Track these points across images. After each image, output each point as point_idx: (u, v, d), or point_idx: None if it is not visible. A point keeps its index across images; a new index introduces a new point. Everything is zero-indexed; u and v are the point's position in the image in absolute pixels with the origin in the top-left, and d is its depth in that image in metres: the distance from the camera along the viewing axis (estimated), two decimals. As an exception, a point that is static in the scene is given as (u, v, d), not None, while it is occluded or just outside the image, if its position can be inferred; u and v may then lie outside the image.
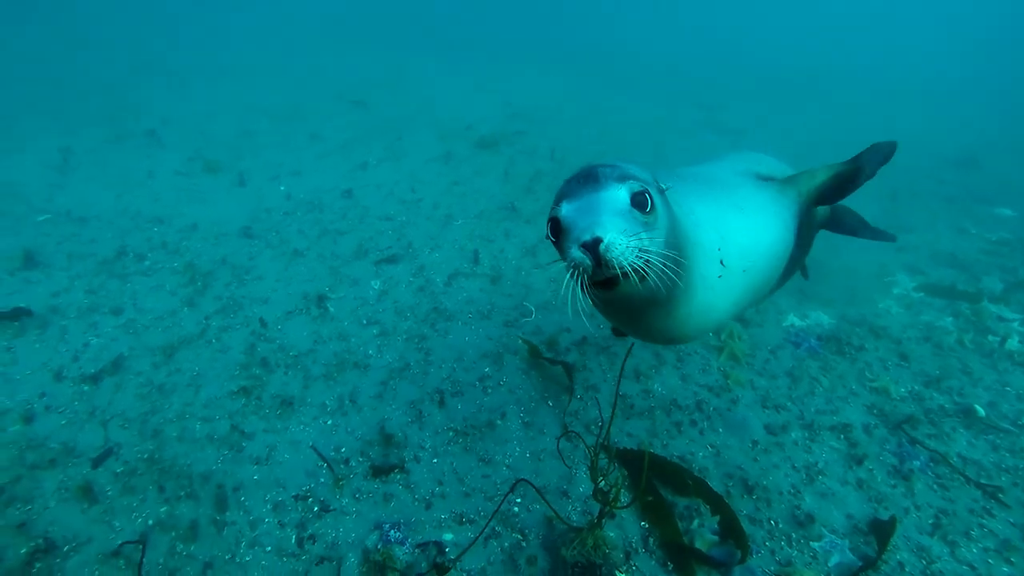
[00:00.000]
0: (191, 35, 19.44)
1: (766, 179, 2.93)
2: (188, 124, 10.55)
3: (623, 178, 1.87)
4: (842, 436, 4.14)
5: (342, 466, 3.74)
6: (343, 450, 3.86)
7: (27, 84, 12.40)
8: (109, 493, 3.53)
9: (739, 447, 4.14)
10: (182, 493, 3.56)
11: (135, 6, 23.09)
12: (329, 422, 4.08)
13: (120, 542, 3.23)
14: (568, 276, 1.72)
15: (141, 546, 3.19)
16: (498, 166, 9.00)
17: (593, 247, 1.67)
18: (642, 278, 1.74)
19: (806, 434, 4.20)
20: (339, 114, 11.75)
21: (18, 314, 4.86)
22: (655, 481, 3.68)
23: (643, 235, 1.74)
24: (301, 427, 4.03)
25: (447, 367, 4.59)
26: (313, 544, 3.30)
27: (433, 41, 22.07)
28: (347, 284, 5.66)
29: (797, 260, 2.86)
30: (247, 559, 3.22)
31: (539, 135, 10.77)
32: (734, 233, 2.29)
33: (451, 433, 4.00)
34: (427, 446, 3.89)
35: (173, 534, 3.32)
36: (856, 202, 3.44)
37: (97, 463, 3.70)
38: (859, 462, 3.91)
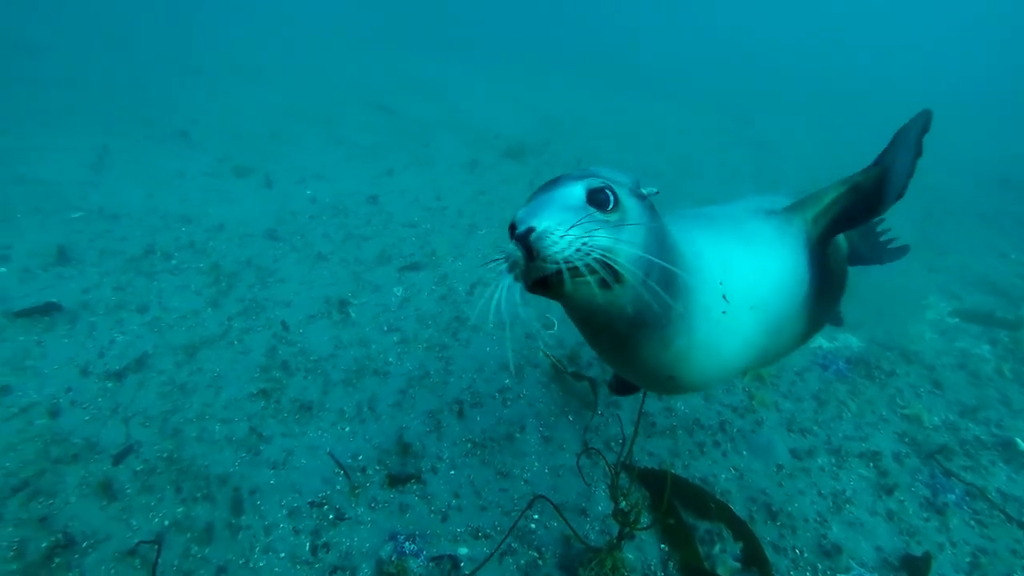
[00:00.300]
0: (221, 38, 19.82)
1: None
2: (218, 125, 10.73)
3: (582, 176, 1.72)
4: (871, 464, 4.01)
5: (359, 474, 3.72)
6: (360, 458, 3.84)
7: (66, 85, 12.73)
8: (128, 491, 3.54)
9: (763, 471, 4.04)
10: (199, 494, 3.56)
11: (168, 9, 23.66)
12: (347, 429, 4.06)
13: (136, 541, 3.23)
14: (499, 276, 1.51)
15: (157, 546, 3.19)
16: (524, 176, 8.99)
17: (523, 237, 1.47)
18: (609, 284, 1.55)
19: (833, 460, 4.08)
20: (365, 118, 11.86)
21: (49, 309, 4.95)
22: (676, 503, 3.59)
23: (598, 232, 1.52)
24: (319, 432, 4.02)
25: (467, 377, 4.56)
26: (327, 553, 3.27)
27: (460, 47, 22.23)
28: (369, 290, 5.67)
29: (821, 304, 2.48)
30: (260, 564, 3.20)
31: (565, 144, 10.75)
32: (738, 266, 2.08)
33: (469, 445, 3.96)
34: (445, 457, 3.85)
35: (188, 535, 3.32)
36: (886, 219, 3.34)
37: (118, 460, 3.72)
38: (889, 492, 3.77)
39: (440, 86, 15.57)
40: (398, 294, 5.63)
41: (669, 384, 2.07)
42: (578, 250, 1.45)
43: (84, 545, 3.19)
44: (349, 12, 27.62)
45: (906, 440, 4.23)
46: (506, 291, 1.48)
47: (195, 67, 15.14)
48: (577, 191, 1.64)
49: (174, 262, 6.03)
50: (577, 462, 3.77)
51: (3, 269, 5.51)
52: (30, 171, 7.97)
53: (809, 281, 2.28)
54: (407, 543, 3.28)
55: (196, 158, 9.00)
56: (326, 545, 3.31)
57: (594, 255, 1.47)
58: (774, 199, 3.09)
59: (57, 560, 3.09)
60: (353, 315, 5.27)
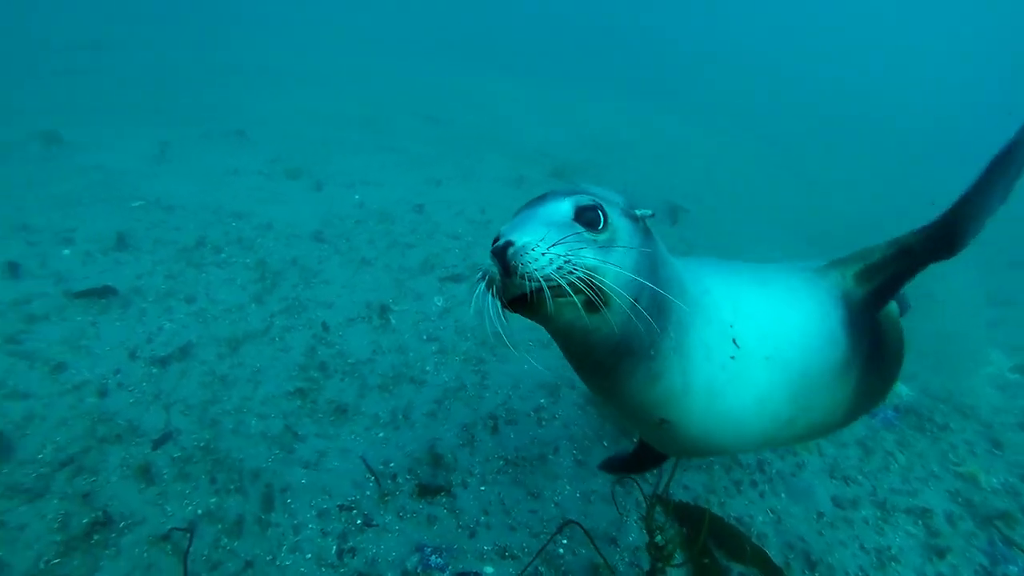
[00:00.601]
0: (279, 44, 20.51)
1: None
2: (271, 127, 11.06)
3: (571, 193, 1.62)
4: (920, 522, 3.81)
5: (389, 481, 3.70)
6: (391, 465, 3.82)
7: (132, 82, 13.34)
8: (165, 476, 3.60)
9: (802, 516, 3.88)
10: (232, 487, 3.59)
11: (232, 14, 24.64)
12: (380, 434, 4.06)
13: (170, 527, 3.27)
14: (479, 292, 1.45)
15: (189, 535, 3.22)
16: (567, 195, 8.97)
17: (500, 252, 1.39)
18: (595, 306, 1.44)
19: (878, 513, 3.90)
20: (414, 128, 12.07)
21: (105, 292, 5.12)
22: (710, 542, 3.47)
23: (584, 251, 1.43)
24: (352, 436, 4.03)
25: (503, 393, 4.52)
26: (353, 558, 3.25)
27: (511, 63, 22.51)
28: (411, 298, 5.70)
29: (869, 375, 2.12)
30: (287, 563, 3.20)
31: (612, 167, 10.73)
32: (749, 308, 1.87)
33: (501, 462, 3.91)
34: (476, 472, 3.81)
35: (219, 527, 3.34)
36: (939, 267, 3.17)
37: (157, 445, 3.79)
38: (940, 555, 3.57)
39: (490, 100, 15.76)
40: (439, 304, 5.65)
41: (667, 433, 1.87)
42: (559, 268, 1.36)
43: (121, 525, 3.24)
44: (402, 25, 28.32)
45: (960, 500, 4.01)
46: (487, 306, 1.42)
47: (251, 70, 15.70)
48: (564, 207, 1.56)
49: (223, 256, 6.18)
50: (612, 489, 3.69)
51: (67, 251, 5.74)
52: (98, 161, 8.34)
53: (847, 344, 1.97)
54: (433, 556, 3.24)
55: (250, 157, 9.28)
56: (352, 550, 3.29)
57: (578, 274, 1.38)
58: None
59: (96, 537, 3.15)
60: (393, 321, 5.30)
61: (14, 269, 5.26)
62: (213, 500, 3.49)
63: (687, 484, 3.94)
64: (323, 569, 3.19)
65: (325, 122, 11.77)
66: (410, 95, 15.00)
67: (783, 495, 4.04)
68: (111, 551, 3.11)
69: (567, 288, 1.36)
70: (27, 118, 9.49)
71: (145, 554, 3.13)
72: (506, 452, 3.99)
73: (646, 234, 1.70)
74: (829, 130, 19.03)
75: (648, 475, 3.94)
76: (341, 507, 3.52)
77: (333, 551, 3.28)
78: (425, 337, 5.12)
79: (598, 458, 4.04)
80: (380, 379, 4.56)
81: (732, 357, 1.77)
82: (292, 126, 11.28)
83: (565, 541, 3.41)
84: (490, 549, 3.35)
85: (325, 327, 5.11)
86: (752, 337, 1.82)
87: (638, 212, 1.73)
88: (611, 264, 1.46)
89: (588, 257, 1.42)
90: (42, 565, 3.00)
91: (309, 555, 3.25)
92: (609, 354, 1.59)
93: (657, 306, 1.60)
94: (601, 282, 1.42)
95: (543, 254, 1.36)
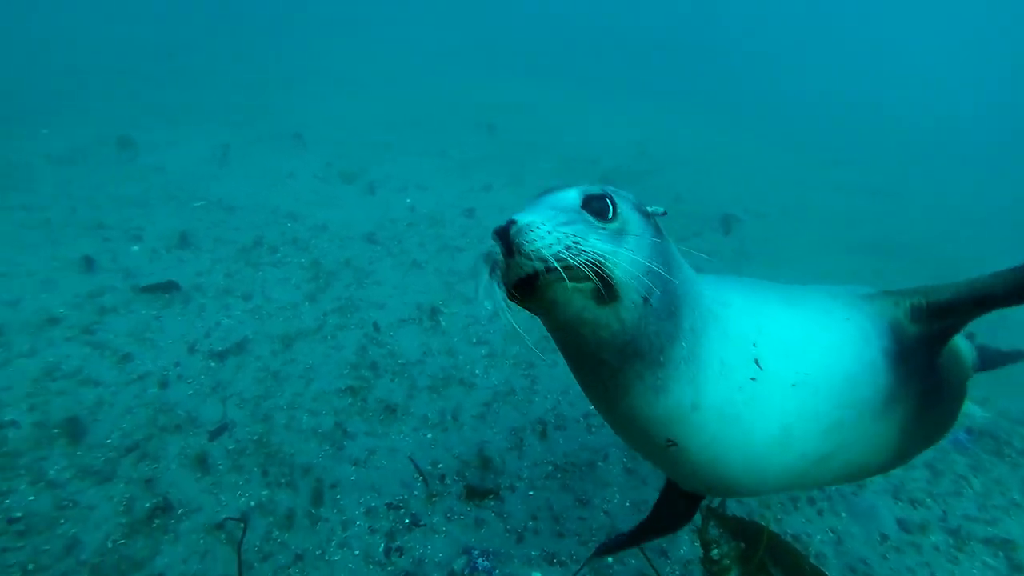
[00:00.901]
0: (335, 53, 21.09)
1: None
2: (328, 131, 11.36)
3: (578, 184, 1.55)
4: (1001, 554, 3.54)
5: (437, 482, 3.70)
6: (440, 466, 3.82)
7: (198, 87, 13.96)
8: (220, 467, 3.69)
9: (864, 538, 3.68)
10: (283, 480, 3.65)
11: (292, 24, 25.55)
12: (429, 435, 4.06)
13: (224, 517, 3.35)
14: (482, 281, 1.36)
15: (243, 525, 3.28)
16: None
17: (504, 231, 1.31)
18: (603, 298, 1.33)
19: (951, 541, 3.65)
20: (466, 135, 12.19)
21: (169, 287, 5.34)
22: (766, 559, 3.31)
23: (592, 235, 1.33)
24: (401, 436, 4.04)
25: (552, 398, 4.47)
26: (400, 557, 3.25)
27: (563, 73, 22.52)
28: (460, 301, 5.72)
29: (920, 416, 1.90)
30: (335, 559, 3.22)
31: (664, 177, 10.57)
32: (777, 327, 1.70)
33: (550, 467, 3.85)
34: (524, 477, 3.76)
35: (271, 519, 3.40)
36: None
37: (213, 436, 3.89)
38: (1023, 589, 3.32)
39: (540, 108, 15.79)
40: (489, 308, 5.64)
41: (675, 460, 1.69)
42: (568, 247, 1.27)
43: (179, 512, 3.33)
44: (456, 37, 28.74)
45: (1044, 532, 3.72)
46: (487, 290, 1.33)
47: (309, 77, 16.20)
48: (571, 195, 1.48)
49: (279, 255, 6.36)
50: (662, 501, 3.57)
51: (135, 248, 6.02)
52: (165, 163, 8.74)
53: (892, 378, 1.76)
54: (480, 559, 3.21)
55: (307, 161, 9.55)
56: (400, 549, 3.29)
57: (585, 257, 1.27)
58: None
59: (157, 521, 3.25)
60: (443, 324, 5.33)
61: (89, 263, 5.54)
62: (265, 493, 3.56)
63: (742, 500, 3.79)
64: (371, 567, 3.19)
65: (378, 127, 12.03)
66: (462, 102, 15.19)
67: (843, 514, 3.84)
68: (170, 536, 3.20)
69: (577, 270, 1.27)
70: (104, 123, 10.03)
71: (201, 541, 3.20)
72: (555, 458, 3.93)
73: (657, 230, 1.59)
74: (885, 137, 18.28)
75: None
76: (389, 505, 3.53)
77: (381, 549, 3.28)
78: (475, 340, 5.12)
79: (648, 468, 3.94)
80: (429, 380, 4.57)
81: (752, 379, 1.60)
82: (346, 131, 11.56)
83: (614, 552, 3.33)
84: (538, 555, 3.29)
85: (376, 327, 5.17)
86: (777, 359, 1.65)
87: (649, 208, 1.64)
88: (624, 250, 1.36)
89: (597, 241, 1.33)
90: (109, 544, 3.11)
91: (357, 552, 3.26)
92: (616, 354, 1.46)
93: (669, 308, 1.47)
94: (611, 271, 1.33)
95: (549, 232, 1.28)
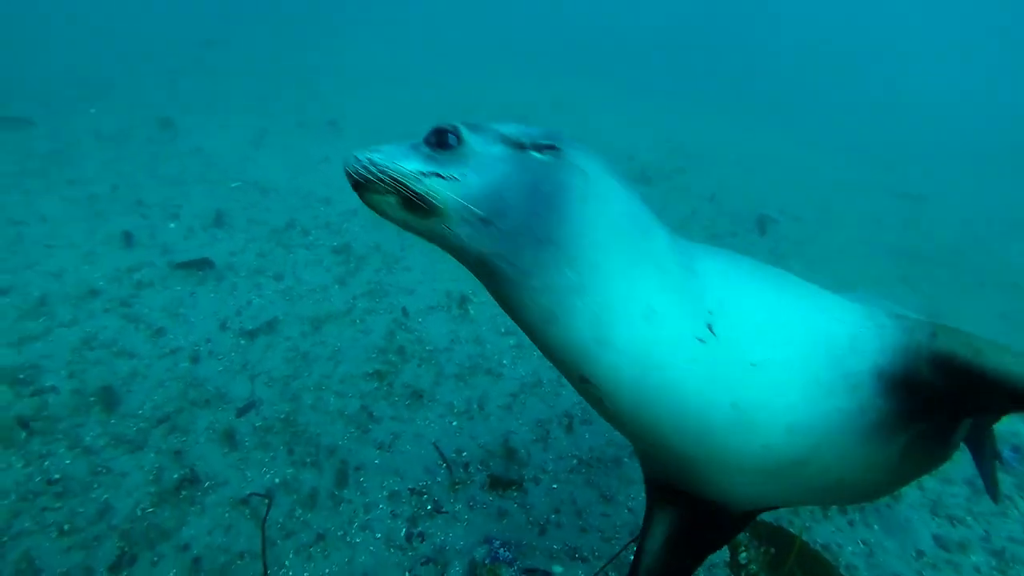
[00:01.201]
0: (372, 46, 21.21)
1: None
2: (363, 120, 11.44)
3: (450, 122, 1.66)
4: (1049, 578, 3.38)
5: (461, 470, 3.67)
6: (464, 454, 3.79)
7: (237, 74, 14.18)
8: (247, 443, 3.72)
9: (898, 553, 3.54)
10: (308, 460, 3.66)
11: (330, 18, 25.78)
12: (454, 423, 4.04)
13: (249, 492, 3.38)
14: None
15: (268, 501, 3.30)
16: (652, 199, 8.67)
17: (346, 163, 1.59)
18: (421, 210, 1.51)
19: (993, 562, 3.49)
20: (499, 128, 12.13)
21: (203, 265, 5.42)
22: (795, 567, 3.21)
23: (404, 159, 1.55)
24: (426, 422, 4.03)
25: (578, 392, 4.41)
26: (421, 542, 3.23)
27: (601, 71, 22.30)
28: (488, 290, 5.69)
29: (907, 453, 1.72)
30: (357, 541, 3.22)
31: (699, 175, 10.38)
32: (750, 303, 1.59)
33: (575, 461, 3.80)
34: (549, 469, 3.72)
35: (294, 497, 3.42)
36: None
37: (241, 413, 3.93)
38: (1072, 616, 3.16)
39: (579, 105, 15.64)
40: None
41: (602, 408, 1.63)
42: (365, 167, 1.51)
43: (206, 485, 3.38)
44: (495, 34, 28.68)
45: (1095, 558, 3.54)
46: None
47: (345, 68, 16.31)
48: (424, 132, 1.64)
49: (310, 238, 6.41)
50: (689, 502, 3.49)
51: (172, 225, 6.14)
52: (203, 145, 8.89)
53: (889, 405, 1.59)
54: (502, 549, 3.17)
55: (340, 147, 9.60)
56: (421, 535, 3.27)
57: (380, 175, 1.51)
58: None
59: (184, 493, 3.30)
60: (472, 312, 5.30)
61: (129, 239, 5.67)
62: (290, 471, 3.58)
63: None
64: (391, 551, 3.18)
65: (411, 117, 12.04)
66: (499, 97, 15.14)
67: (876, 527, 3.71)
68: (197, 508, 3.24)
69: (378, 184, 1.51)
70: (147, 106, 10.27)
71: (226, 515, 3.24)
72: (580, 452, 3.87)
73: (530, 162, 1.58)
74: (929, 138, 17.70)
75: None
76: (412, 491, 3.52)
77: (402, 534, 3.27)
78: (503, 330, 5.08)
79: (675, 468, 3.87)
80: (457, 368, 4.55)
81: (700, 340, 1.52)
82: (380, 119, 11.63)
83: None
84: (560, 548, 3.24)
85: (405, 312, 5.18)
86: (737, 331, 1.54)
87: (545, 143, 1.62)
88: (432, 176, 1.52)
89: (407, 165, 1.52)
90: (139, 512, 3.17)
91: (379, 535, 3.26)
92: (477, 266, 1.57)
93: (538, 235, 1.48)
94: (414, 187, 1.50)
95: (364, 157, 1.53)
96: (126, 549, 2.98)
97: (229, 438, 3.72)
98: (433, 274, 5.85)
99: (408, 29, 26.24)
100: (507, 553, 3.15)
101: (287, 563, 3.06)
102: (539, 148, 1.61)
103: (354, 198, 1.66)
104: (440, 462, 3.71)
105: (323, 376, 4.37)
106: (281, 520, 3.27)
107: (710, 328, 1.53)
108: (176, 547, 3.03)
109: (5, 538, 2.96)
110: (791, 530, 3.46)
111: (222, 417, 3.89)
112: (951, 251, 9.14)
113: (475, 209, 1.48)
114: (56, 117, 9.37)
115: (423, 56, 20.25)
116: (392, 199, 1.54)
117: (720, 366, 1.52)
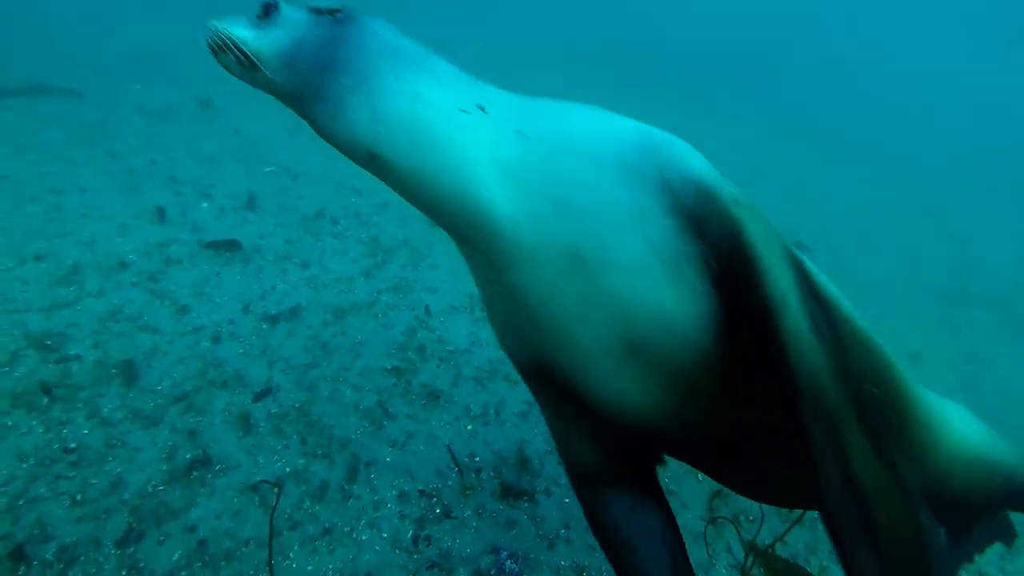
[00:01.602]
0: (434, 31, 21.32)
1: None
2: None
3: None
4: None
5: (473, 475, 3.62)
6: (477, 459, 3.74)
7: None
8: (261, 429, 3.71)
9: (918, 604, 3.39)
10: (320, 451, 3.64)
11: (367, 6, 25.91)
12: (469, 427, 3.99)
13: (259, 478, 3.36)
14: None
15: (278, 490, 3.28)
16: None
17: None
18: (249, 65, 1.82)
19: (1021, 623, 3.34)
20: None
21: (232, 246, 5.44)
22: (811, 611, 3.10)
23: (236, 26, 1.86)
24: (441, 423, 3.98)
25: (597, 406, 4.33)
26: (427, 546, 3.18)
27: (634, 83, 22.13)
28: (512, 294, 5.63)
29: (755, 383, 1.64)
30: (363, 538, 3.18)
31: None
32: (526, 103, 1.82)
33: (589, 477, 3.72)
34: (562, 482, 3.64)
35: (304, 488, 3.39)
36: None
37: (258, 398, 3.92)
38: None
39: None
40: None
41: (391, 182, 1.80)
42: (216, 35, 1.83)
43: (217, 467, 3.36)
44: (522, 35, 28.64)
45: None
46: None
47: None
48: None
49: (339, 228, 6.42)
50: (705, 529, 3.40)
51: (205, 204, 6.19)
52: (240, 126, 8.99)
53: (669, 226, 1.57)
54: (509, 561, 3.11)
55: (375, 139, 9.65)
56: (428, 538, 3.22)
57: (216, 39, 1.83)
58: None
59: (195, 473, 3.29)
60: (493, 315, 5.25)
61: (161, 214, 5.72)
62: (301, 461, 3.55)
63: (787, 540, 3.56)
64: (397, 552, 3.14)
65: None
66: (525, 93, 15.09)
67: None
68: (206, 489, 3.23)
69: (219, 46, 1.82)
70: (188, 85, 10.41)
71: (235, 500, 3.22)
72: (594, 468, 3.79)
73: (330, 24, 1.86)
74: (976, 167, 17.24)
75: (741, 518, 3.63)
76: (422, 492, 3.47)
77: (409, 535, 3.22)
78: (523, 336, 5.02)
79: (690, 492, 3.77)
80: (475, 371, 4.50)
81: (464, 111, 1.72)
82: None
83: (647, 575, 3.17)
84: (567, 565, 3.17)
85: (428, 311, 5.14)
86: (505, 110, 1.75)
87: (336, 6, 1.89)
88: (256, 32, 1.85)
89: (238, 32, 1.84)
90: (150, 488, 3.17)
91: (385, 535, 3.21)
92: (294, 102, 1.86)
93: (323, 64, 1.79)
94: (243, 46, 1.81)
95: (214, 25, 1.85)
96: (134, 525, 2.97)
97: (244, 422, 3.71)
98: (458, 273, 5.80)
99: (444, 29, 26.31)
100: (514, 565, 3.09)
101: (291, 555, 3.03)
102: (332, 12, 1.93)
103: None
104: (452, 465, 3.66)
105: (342, 368, 4.35)
106: (289, 511, 3.24)
107: (481, 108, 1.73)
108: (183, 528, 3.02)
109: (22, 501, 2.98)
110: (807, 567, 3.35)
111: (238, 400, 3.88)
112: (998, 298, 8.94)
113: (283, 58, 1.82)
114: (105, 90, 9.55)
115: (468, 55, 20.27)
116: (231, 58, 1.87)
117: (483, 129, 1.71)
